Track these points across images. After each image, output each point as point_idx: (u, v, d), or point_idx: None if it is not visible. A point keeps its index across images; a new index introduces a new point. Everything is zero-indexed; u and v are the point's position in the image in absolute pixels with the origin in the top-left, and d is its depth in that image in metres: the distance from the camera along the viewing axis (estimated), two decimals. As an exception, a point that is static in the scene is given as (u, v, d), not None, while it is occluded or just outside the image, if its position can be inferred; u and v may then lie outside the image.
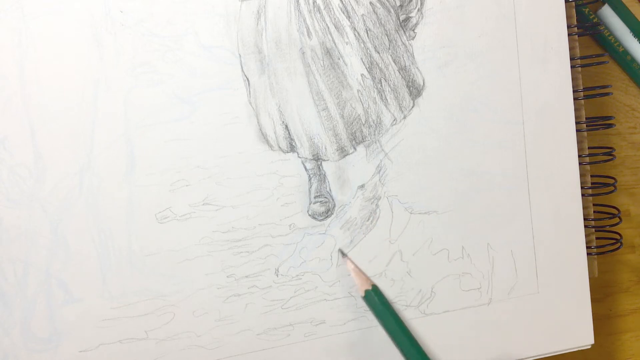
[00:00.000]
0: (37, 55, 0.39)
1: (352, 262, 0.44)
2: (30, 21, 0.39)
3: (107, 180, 0.41)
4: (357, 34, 0.43)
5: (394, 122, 0.44)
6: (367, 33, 0.43)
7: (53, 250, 0.40)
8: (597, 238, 0.50)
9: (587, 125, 0.49)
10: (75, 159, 0.40)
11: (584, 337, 0.48)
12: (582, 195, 0.48)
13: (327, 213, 0.44)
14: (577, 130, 0.48)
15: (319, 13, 0.42)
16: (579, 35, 0.48)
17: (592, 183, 0.49)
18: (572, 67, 0.47)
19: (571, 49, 0.47)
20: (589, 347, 0.48)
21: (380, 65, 0.43)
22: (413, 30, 0.44)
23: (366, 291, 0.43)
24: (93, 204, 0.41)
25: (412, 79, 0.44)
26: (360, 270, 0.44)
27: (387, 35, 0.43)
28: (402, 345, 0.43)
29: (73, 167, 0.40)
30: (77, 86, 0.40)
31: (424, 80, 0.44)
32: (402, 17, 0.43)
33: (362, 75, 0.43)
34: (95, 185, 0.40)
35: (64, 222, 0.40)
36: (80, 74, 0.40)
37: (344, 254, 0.44)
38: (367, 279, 0.44)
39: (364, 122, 0.44)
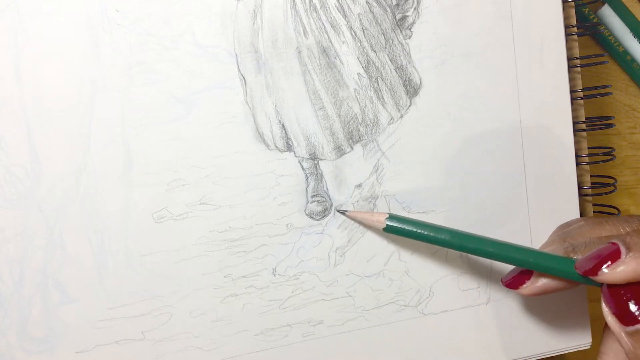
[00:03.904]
0: (33, 55, 0.39)
1: (355, 211, 0.44)
2: (26, 21, 0.39)
3: (103, 180, 0.41)
4: (353, 33, 0.43)
5: (391, 121, 0.44)
6: (364, 32, 0.43)
7: (49, 250, 0.40)
8: (597, 238, 0.49)
9: (586, 126, 0.48)
10: (71, 159, 0.40)
11: (581, 337, 0.48)
12: (582, 195, 0.48)
13: (325, 212, 0.44)
14: (577, 131, 0.48)
15: (315, 12, 0.42)
16: (579, 35, 0.48)
17: (592, 183, 0.49)
18: (571, 67, 0.47)
19: (571, 49, 0.47)
20: (588, 346, 0.48)
21: (376, 64, 0.43)
22: (409, 29, 0.44)
23: (387, 223, 0.42)
24: (90, 204, 0.40)
25: (409, 78, 0.44)
26: (364, 212, 0.44)
27: (383, 34, 0.43)
28: (449, 243, 0.42)
29: (70, 167, 0.40)
30: (74, 86, 0.40)
31: (420, 79, 0.44)
32: (398, 16, 0.43)
33: (358, 74, 0.43)
34: (92, 185, 0.40)
35: (61, 222, 0.40)
36: (76, 74, 0.40)
37: (343, 212, 0.44)
38: (376, 213, 0.43)
39: (360, 121, 0.44)
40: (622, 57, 0.57)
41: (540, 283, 0.41)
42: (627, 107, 0.57)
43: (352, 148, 0.44)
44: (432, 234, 0.41)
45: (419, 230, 0.42)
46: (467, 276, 0.46)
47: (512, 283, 0.42)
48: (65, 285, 0.41)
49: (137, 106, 0.41)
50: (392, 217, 0.42)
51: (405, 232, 0.42)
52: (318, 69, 0.43)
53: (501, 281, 0.43)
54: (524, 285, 0.41)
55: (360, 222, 0.44)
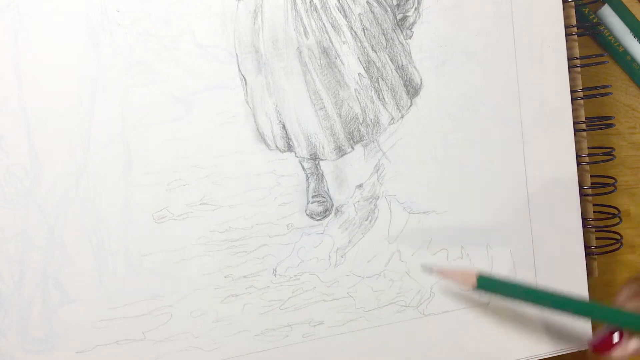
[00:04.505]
0: (34, 55, 0.39)
1: (442, 269, 0.44)
2: (26, 21, 0.39)
3: (103, 180, 0.40)
4: (354, 33, 0.43)
5: (392, 121, 0.44)
6: (364, 32, 0.43)
7: (49, 250, 0.40)
8: (597, 238, 0.50)
9: (586, 125, 0.48)
10: (71, 158, 0.40)
11: (582, 337, 0.48)
12: (582, 195, 0.48)
13: (325, 213, 0.44)
14: (577, 130, 0.48)
15: (316, 12, 0.42)
16: (579, 35, 0.48)
17: (592, 183, 0.49)
18: (571, 67, 0.47)
19: (571, 49, 0.47)
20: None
21: (377, 65, 0.43)
22: (410, 29, 0.44)
23: (478, 280, 0.42)
24: (90, 204, 0.40)
25: (410, 78, 0.44)
26: (452, 269, 0.44)
27: (384, 34, 0.43)
28: (546, 303, 0.41)
29: (70, 167, 0.40)
30: (74, 86, 0.40)
31: (421, 80, 0.44)
32: (399, 16, 0.43)
33: (359, 74, 0.43)
34: (92, 185, 0.40)
35: (61, 222, 0.40)
36: (76, 74, 0.40)
37: (431, 270, 0.44)
38: (466, 272, 0.43)
39: (361, 121, 0.44)
40: (622, 57, 0.57)
41: (634, 346, 0.39)
42: (627, 107, 0.57)
43: (352, 148, 0.44)
44: (528, 298, 0.41)
45: (513, 294, 0.42)
46: (468, 276, 0.46)
47: (601, 346, 0.40)
48: (65, 285, 0.41)
49: (137, 106, 0.40)
50: (482, 278, 0.41)
51: (496, 292, 0.42)
52: (319, 69, 0.42)
53: (588, 345, 0.41)
54: (616, 349, 0.39)
55: (448, 279, 0.44)
